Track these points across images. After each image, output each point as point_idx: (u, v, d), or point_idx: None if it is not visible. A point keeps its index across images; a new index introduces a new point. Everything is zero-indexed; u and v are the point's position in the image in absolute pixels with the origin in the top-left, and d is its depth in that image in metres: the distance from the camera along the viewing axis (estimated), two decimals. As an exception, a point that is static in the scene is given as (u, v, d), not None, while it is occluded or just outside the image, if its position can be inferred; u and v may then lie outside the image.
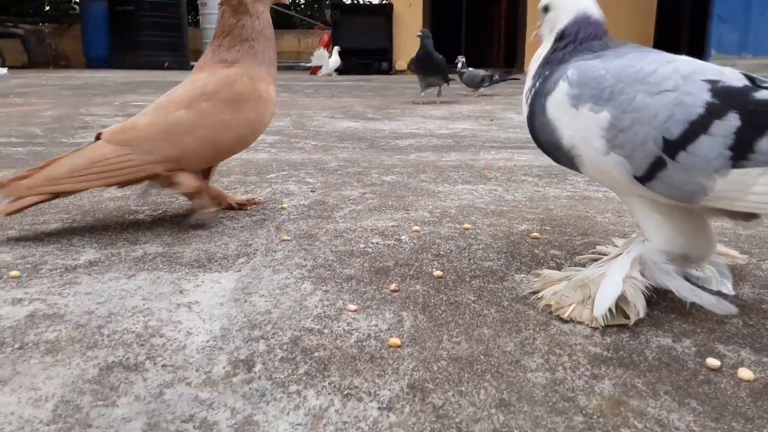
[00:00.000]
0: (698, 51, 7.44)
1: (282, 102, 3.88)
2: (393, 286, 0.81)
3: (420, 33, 3.83)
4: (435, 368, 0.60)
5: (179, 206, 1.24)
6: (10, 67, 8.14)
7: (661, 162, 0.65)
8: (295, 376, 0.58)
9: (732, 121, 0.61)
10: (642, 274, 0.72)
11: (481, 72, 4.44)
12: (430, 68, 3.74)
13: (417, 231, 1.08)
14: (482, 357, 0.62)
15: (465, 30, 11.35)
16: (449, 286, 0.82)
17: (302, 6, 17.59)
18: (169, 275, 0.85)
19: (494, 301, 0.77)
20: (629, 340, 0.67)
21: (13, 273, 0.84)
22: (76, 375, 0.57)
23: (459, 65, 4.45)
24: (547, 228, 1.09)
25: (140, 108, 3.28)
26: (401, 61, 9.01)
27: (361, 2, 16.95)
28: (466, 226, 1.10)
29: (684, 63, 0.69)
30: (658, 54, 0.72)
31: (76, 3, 13.26)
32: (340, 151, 1.96)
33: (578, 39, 0.79)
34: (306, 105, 3.70)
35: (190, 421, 0.50)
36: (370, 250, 0.97)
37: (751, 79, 0.67)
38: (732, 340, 0.67)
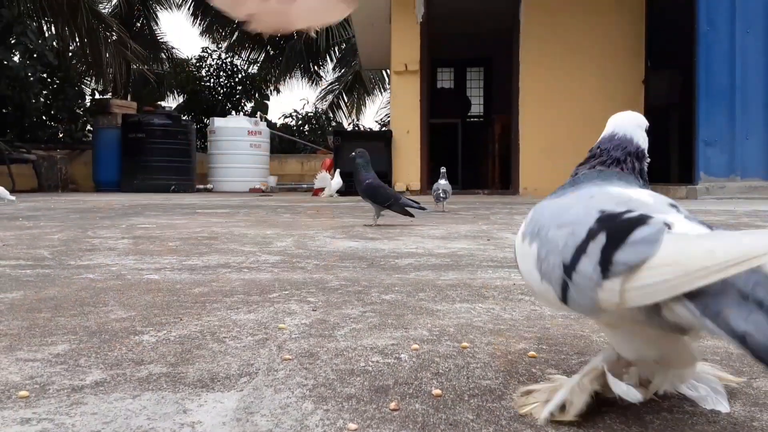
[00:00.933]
0: (688, 173, 7.74)
1: (285, 223, 4.00)
2: (393, 405, 0.82)
3: (353, 153, 3.76)
4: (434, 487, 0.61)
5: (183, 326, 1.27)
6: (20, 191, 8.41)
7: (566, 284, 0.74)
8: (297, 496, 0.58)
9: (601, 240, 0.70)
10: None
11: (441, 185, 4.87)
12: (361, 192, 3.68)
13: (416, 349, 1.10)
14: (481, 476, 0.63)
15: (461, 153, 11.88)
16: (448, 404, 0.83)
17: (306, 132, 18.49)
18: (173, 395, 0.87)
19: (492, 420, 0.78)
20: (625, 457, 0.68)
21: (22, 393, 0.86)
22: (82, 495, 0.58)
23: (440, 175, 4.87)
24: (544, 347, 1.12)
25: (146, 230, 3.41)
26: (400, 183, 9.35)
27: (362, 129, 17.85)
28: (465, 344, 1.13)
29: (601, 197, 0.78)
30: (600, 188, 0.82)
31: (89, 131, 13.98)
32: (340, 271, 2.02)
33: (597, 160, 0.89)
34: (308, 225, 3.81)
35: None
36: (370, 368, 0.99)
37: (673, 206, 0.75)
38: (726, 457, 0.68)
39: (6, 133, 12.03)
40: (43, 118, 14.06)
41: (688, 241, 0.64)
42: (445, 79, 13.60)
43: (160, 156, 10.90)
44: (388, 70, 13.79)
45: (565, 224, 0.76)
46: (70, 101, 13.95)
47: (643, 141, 0.89)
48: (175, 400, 0.84)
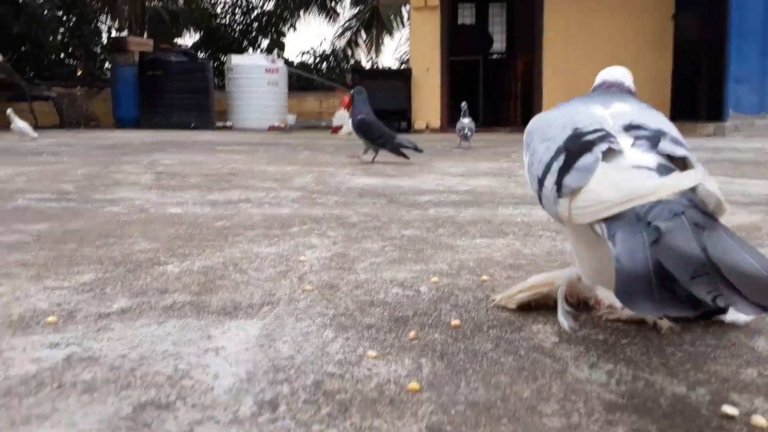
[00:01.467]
0: (717, 111, 7.54)
1: (304, 160, 3.99)
2: (412, 334, 0.83)
3: (352, 90, 3.76)
4: (453, 412, 0.62)
5: (205, 257, 1.29)
6: (42, 128, 8.48)
7: (540, 193, 0.80)
8: (318, 417, 0.60)
9: (560, 161, 0.75)
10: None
11: (465, 123, 4.78)
12: (354, 127, 3.63)
13: (435, 282, 1.10)
14: (499, 402, 0.64)
15: (483, 90, 11.63)
16: (467, 335, 0.84)
17: (323, 71, 18.19)
18: (197, 322, 0.88)
19: (511, 350, 0.79)
20: (644, 388, 0.68)
21: (50, 319, 0.88)
22: (112, 412, 0.60)
23: (462, 113, 4.80)
24: (564, 281, 1.11)
25: (167, 166, 3.42)
26: (420, 120, 9.23)
27: (380, 67, 17.49)
28: (484, 278, 1.13)
29: (580, 114, 0.81)
30: (585, 104, 0.85)
31: (107, 69, 13.91)
32: (360, 207, 2.01)
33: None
34: (327, 162, 3.80)
35: (219, 456, 0.53)
36: (389, 300, 1.00)
37: (635, 126, 0.76)
38: (746, 389, 0.68)
39: (25, 70, 12.02)
40: (61, 55, 13.99)
41: (610, 174, 0.68)
42: (467, 16, 13.16)
43: (179, 93, 10.84)
44: (407, 6, 13.34)
45: (546, 139, 0.81)
46: (86, 39, 13.82)
47: (631, 85, 0.95)
48: (199, 327, 0.86)
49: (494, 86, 11.89)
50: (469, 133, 4.81)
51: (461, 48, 11.26)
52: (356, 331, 0.85)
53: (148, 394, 0.64)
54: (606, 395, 0.66)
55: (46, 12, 11.99)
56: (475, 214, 1.89)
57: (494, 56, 13.43)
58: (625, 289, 0.58)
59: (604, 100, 0.84)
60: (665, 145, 0.72)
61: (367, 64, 19.50)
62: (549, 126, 0.84)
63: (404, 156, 3.68)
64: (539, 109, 9.32)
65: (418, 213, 1.90)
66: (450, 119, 8.91)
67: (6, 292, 1.03)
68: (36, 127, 7.83)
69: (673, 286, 0.56)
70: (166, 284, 1.09)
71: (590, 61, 8.91)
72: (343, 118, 8.56)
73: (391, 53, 31.27)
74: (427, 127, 9.11)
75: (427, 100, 9.40)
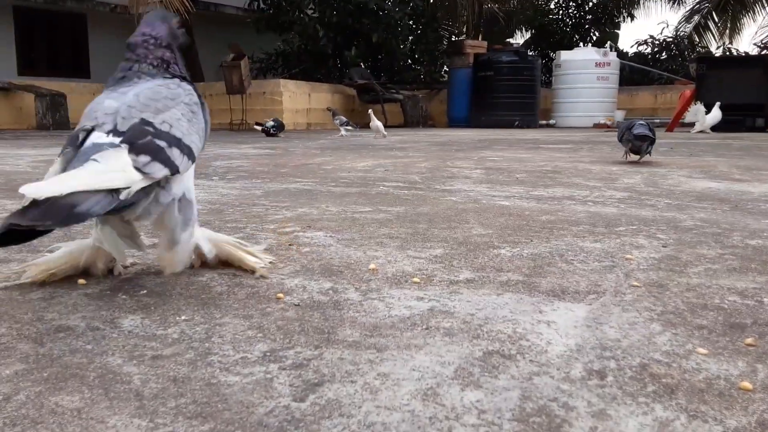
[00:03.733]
0: None
1: (631, 159, 3.83)
2: (749, 341, 0.81)
3: None
4: (791, 417, 0.60)
5: (533, 246, 1.41)
6: (390, 126, 9.81)
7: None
8: (644, 392, 0.66)
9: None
10: None
11: None
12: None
13: (783, 296, 1.02)
14: None
15: None
16: (818, 352, 0.78)
17: (662, 61, 16.70)
18: (530, 298, 1.01)
19: None
20: None
21: (415, 279, 1.11)
22: (467, 353, 0.76)
23: None
24: None
25: (495, 162, 3.68)
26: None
27: (734, 54, 15.28)
28: None
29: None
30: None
31: (445, 71, 15.28)
32: (696, 212, 1.89)
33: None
34: (659, 163, 3.58)
35: (555, 401, 0.63)
36: (725, 306, 0.97)
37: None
38: None
39: (380, 76, 14.05)
40: (409, 61, 15.90)
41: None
42: None
43: (506, 92, 11.33)
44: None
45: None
46: (430, 44, 15.42)
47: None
48: (531, 302, 0.98)
49: None
50: None
51: None
52: (686, 329, 0.86)
53: (494, 346, 0.79)
54: None
55: (400, 22, 13.71)
56: None
57: None
58: None
59: None
60: None
61: (716, 52, 17.21)
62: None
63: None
64: None
65: (768, 222, 1.70)
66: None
67: (381, 256, 1.31)
68: (386, 125, 9.14)
69: None
70: (500, 264, 1.24)
71: None
72: (697, 113, 7.79)
73: (748, 38, 26.87)
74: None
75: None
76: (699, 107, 7.76)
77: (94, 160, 0.89)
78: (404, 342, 0.81)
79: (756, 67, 8.23)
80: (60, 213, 0.81)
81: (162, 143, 0.95)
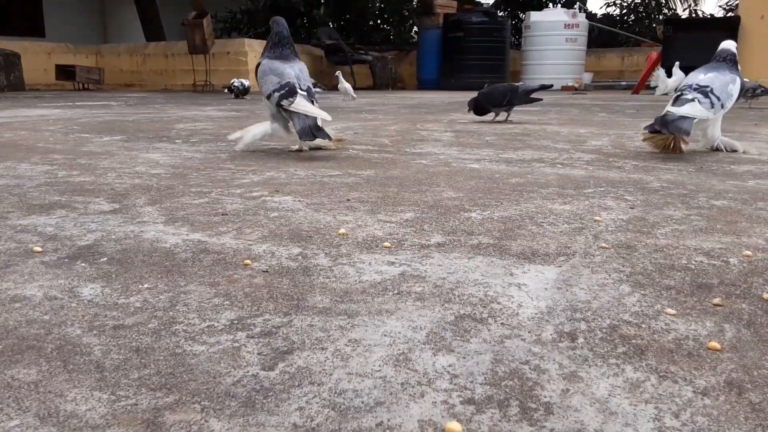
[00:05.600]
0: None
1: (600, 122, 3.86)
2: (716, 301, 0.82)
3: None
4: (755, 374, 0.61)
5: (503, 209, 1.41)
6: (359, 89, 9.67)
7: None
8: (614, 353, 0.66)
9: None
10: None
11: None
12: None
13: (748, 256, 1.03)
14: (814, 379, 0.61)
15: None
16: (781, 310, 0.79)
17: (630, 23, 16.76)
18: (500, 261, 1.00)
19: (837, 334, 0.72)
20: None
21: (386, 244, 1.10)
22: (439, 317, 0.76)
23: None
24: None
25: (464, 125, 3.66)
26: (751, 79, 7.99)
27: (700, 15, 15.40)
28: (810, 257, 1.01)
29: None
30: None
31: (415, 32, 15.06)
32: (663, 173, 1.91)
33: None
34: (626, 125, 3.61)
35: (526, 364, 0.63)
36: (692, 266, 0.98)
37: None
38: None
39: (349, 36, 13.78)
40: (378, 21, 15.60)
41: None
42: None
43: (476, 54, 11.24)
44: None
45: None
46: (400, 3, 15.12)
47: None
48: (502, 265, 0.98)
49: None
50: None
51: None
52: (654, 290, 0.87)
53: (465, 309, 0.78)
54: None
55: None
56: (806, 188, 1.64)
57: None
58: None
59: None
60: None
61: (683, 13, 17.32)
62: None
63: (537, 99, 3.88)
64: None
65: (733, 183, 1.73)
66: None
67: (351, 221, 1.29)
68: (354, 88, 8.99)
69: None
70: (471, 228, 1.24)
71: None
72: (658, 79, 7.87)
73: (714, 0, 27.14)
74: (760, 86, 7.83)
75: (760, 54, 8.04)
76: (659, 73, 7.84)
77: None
78: (375, 307, 0.80)
79: (721, 29, 8.30)
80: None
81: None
